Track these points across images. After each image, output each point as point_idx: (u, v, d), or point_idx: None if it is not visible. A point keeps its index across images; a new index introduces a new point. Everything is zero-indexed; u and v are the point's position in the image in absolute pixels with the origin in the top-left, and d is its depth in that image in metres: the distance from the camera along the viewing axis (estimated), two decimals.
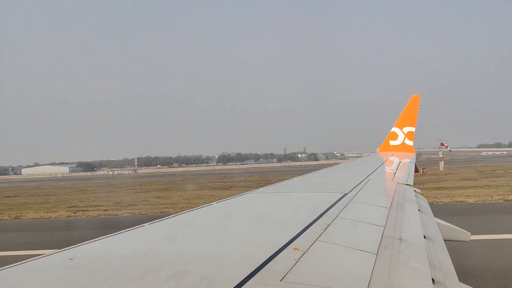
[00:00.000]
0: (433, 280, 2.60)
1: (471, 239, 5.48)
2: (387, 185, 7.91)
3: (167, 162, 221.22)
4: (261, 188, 6.64)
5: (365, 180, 7.51)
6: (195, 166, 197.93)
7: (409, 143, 20.08)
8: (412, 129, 20.13)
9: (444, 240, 4.05)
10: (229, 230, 3.51)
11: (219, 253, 2.77)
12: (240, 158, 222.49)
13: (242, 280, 2.14)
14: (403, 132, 20.22)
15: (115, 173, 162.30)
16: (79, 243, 2.99)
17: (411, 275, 2.63)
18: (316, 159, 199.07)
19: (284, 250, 2.71)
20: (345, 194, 5.41)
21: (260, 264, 2.41)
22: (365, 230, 3.65)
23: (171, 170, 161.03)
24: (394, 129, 20.50)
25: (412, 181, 8.63)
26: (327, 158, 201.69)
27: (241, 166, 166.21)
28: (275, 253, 2.63)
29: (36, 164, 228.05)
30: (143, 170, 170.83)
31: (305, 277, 2.27)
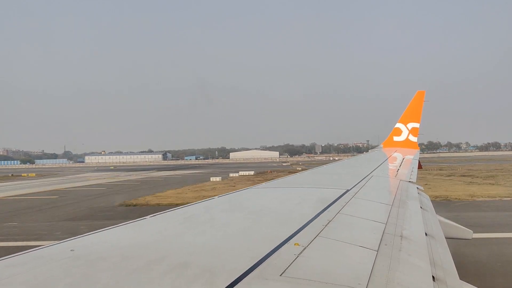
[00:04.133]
0: (433, 277, 2.59)
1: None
2: (390, 182, 7.90)
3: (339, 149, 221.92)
4: (263, 183, 6.65)
5: (368, 177, 7.50)
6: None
7: (413, 139, 19.99)
8: (417, 125, 20.02)
9: (446, 238, 4.04)
10: (230, 224, 3.52)
11: (220, 246, 2.77)
12: None
13: (242, 274, 2.14)
14: (407, 128, 20.12)
15: (336, 158, 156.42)
16: None
17: (411, 272, 2.62)
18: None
19: (284, 245, 2.71)
20: (348, 190, 5.40)
21: (260, 258, 2.41)
22: (367, 226, 3.64)
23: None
24: (398, 124, 20.41)
25: (415, 178, 8.62)
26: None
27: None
28: (275, 247, 2.64)
29: (244, 148, 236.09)
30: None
31: (305, 272, 2.27)
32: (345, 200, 4.68)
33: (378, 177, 7.93)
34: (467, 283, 2.91)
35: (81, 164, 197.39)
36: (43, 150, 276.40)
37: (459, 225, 5.51)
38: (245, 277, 2.11)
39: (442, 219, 5.27)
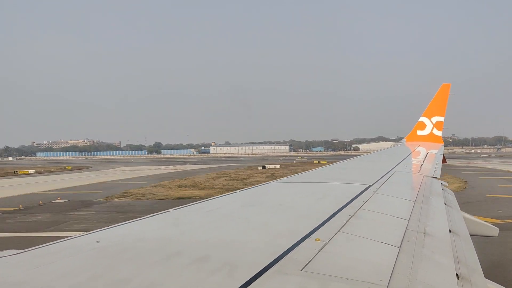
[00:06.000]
0: (457, 275, 2.55)
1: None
2: (413, 178, 7.76)
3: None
4: (284, 178, 6.65)
5: (391, 172, 7.38)
6: None
7: (438, 133, 19.51)
8: (441, 118, 19.51)
9: (471, 235, 3.95)
10: (251, 218, 3.54)
11: (241, 240, 2.80)
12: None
13: (263, 268, 2.16)
14: (432, 122, 19.64)
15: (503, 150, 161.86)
16: None
17: (434, 270, 2.58)
18: None
19: (305, 240, 2.72)
20: (370, 186, 5.34)
21: (281, 253, 2.43)
22: (389, 222, 3.60)
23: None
24: (422, 118, 19.94)
25: (439, 173, 8.43)
26: None
27: None
28: (296, 242, 2.64)
29: (381, 139, 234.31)
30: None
31: (326, 267, 2.27)
32: (367, 195, 4.63)
33: (401, 173, 7.80)
34: (493, 282, 2.84)
35: (210, 155, 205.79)
36: (120, 142, 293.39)
37: (485, 222, 5.36)
38: (266, 271, 2.13)
39: (467, 215, 5.15)
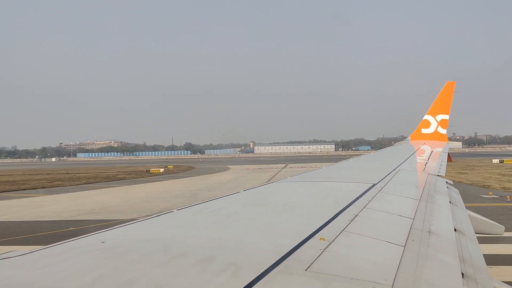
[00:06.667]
0: (462, 274, 2.54)
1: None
2: (418, 176, 7.73)
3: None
4: (288, 177, 6.64)
5: (395, 171, 7.36)
6: None
7: (442, 131, 19.42)
8: (446, 117, 19.42)
9: (477, 234, 3.93)
10: (255, 218, 3.54)
11: (245, 240, 2.80)
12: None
13: (267, 268, 2.16)
14: (436, 120, 19.54)
15: None
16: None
17: (439, 269, 2.57)
18: None
19: (310, 240, 2.71)
20: (374, 185, 5.33)
21: (285, 252, 2.42)
22: (393, 221, 3.59)
23: None
24: (426, 116, 19.85)
25: (444, 172, 8.40)
26: None
27: None
28: (301, 242, 2.64)
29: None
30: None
31: (331, 267, 2.26)
32: (371, 194, 4.62)
33: (405, 171, 7.78)
34: (498, 280, 2.83)
35: (254, 155, 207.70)
36: (145, 142, 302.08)
37: (491, 221, 5.33)
38: (270, 271, 2.13)
39: (473, 214, 5.13)
